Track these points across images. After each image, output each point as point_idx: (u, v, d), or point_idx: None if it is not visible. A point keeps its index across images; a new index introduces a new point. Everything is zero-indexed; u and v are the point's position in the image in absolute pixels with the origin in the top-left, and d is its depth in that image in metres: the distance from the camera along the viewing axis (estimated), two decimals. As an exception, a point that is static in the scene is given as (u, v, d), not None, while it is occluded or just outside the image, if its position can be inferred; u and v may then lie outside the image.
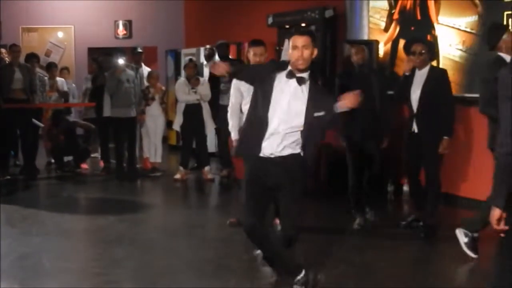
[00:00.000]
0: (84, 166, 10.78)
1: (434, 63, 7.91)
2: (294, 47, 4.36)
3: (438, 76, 6.39)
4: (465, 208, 7.77)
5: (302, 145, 4.42)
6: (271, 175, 4.40)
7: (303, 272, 4.57)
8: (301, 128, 4.37)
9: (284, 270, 4.67)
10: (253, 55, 5.95)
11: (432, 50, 6.49)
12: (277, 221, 6.21)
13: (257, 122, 4.41)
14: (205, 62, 11.07)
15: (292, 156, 4.40)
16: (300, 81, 4.38)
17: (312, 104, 4.35)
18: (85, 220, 7.55)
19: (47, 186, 9.93)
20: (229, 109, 6.20)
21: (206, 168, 9.86)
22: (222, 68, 4.51)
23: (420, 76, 6.38)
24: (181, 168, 9.88)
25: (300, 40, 4.35)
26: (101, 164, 10.80)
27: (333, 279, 5.22)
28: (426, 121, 6.32)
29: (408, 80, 6.44)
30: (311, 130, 4.38)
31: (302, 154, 4.43)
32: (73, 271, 5.55)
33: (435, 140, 6.30)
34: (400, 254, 5.95)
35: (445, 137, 6.30)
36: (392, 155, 8.45)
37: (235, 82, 6.10)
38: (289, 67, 4.43)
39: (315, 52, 4.43)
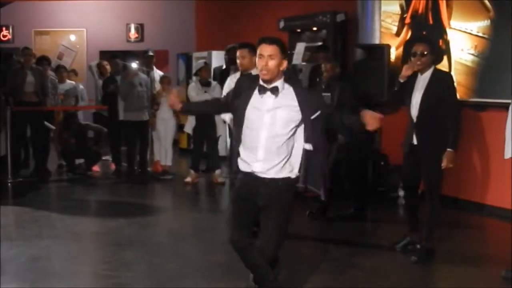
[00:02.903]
0: (95, 169, 10.80)
1: (445, 67, 7.92)
2: (260, 56, 4.08)
3: (441, 81, 5.65)
4: (478, 214, 7.74)
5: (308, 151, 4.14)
6: (260, 194, 4.14)
7: None
8: (290, 136, 4.10)
9: (259, 284, 4.38)
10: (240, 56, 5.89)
11: (437, 52, 5.78)
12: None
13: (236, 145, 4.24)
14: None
15: (282, 178, 4.13)
16: (274, 91, 4.08)
17: (304, 106, 4.08)
18: (96, 222, 7.57)
19: (58, 189, 9.96)
20: None
21: (217, 172, 9.85)
22: (174, 103, 4.43)
23: (422, 80, 5.66)
24: (191, 171, 9.89)
25: (266, 49, 4.06)
26: (112, 167, 10.83)
27: (343, 284, 5.22)
28: (427, 132, 5.63)
29: (407, 86, 5.73)
30: (314, 130, 4.10)
31: (293, 176, 4.16)
32: (83, 274, 5.57)
33: (436, 152, 5.58)
34: (409, 259, 5.90)
35: (449, 150, 5.54)
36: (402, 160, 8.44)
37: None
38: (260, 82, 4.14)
39: (284, 64, 4.11)
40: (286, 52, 4.16)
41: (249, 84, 4.22)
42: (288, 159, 4.14)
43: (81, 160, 10.61)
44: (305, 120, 4.08)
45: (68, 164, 10.64)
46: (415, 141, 5.71)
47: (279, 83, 4.10)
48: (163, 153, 10.51)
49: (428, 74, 5.66)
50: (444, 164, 5.56)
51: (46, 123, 10.26)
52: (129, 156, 10.30)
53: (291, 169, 4.16)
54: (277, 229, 4.17)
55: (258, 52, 4.12)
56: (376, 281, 5.36)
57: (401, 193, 8.55)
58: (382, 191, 8.56)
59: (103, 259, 5.94)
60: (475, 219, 7.66)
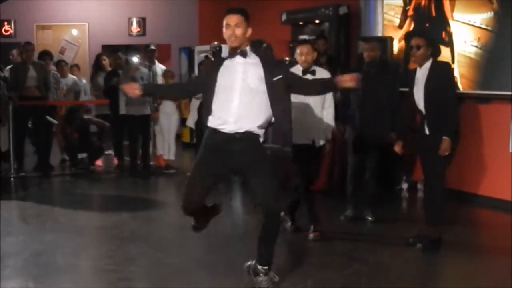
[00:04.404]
0: (98, 163, 10.80)
1: (448, 60, 7.88)
2: (227, 26, 4.42)
3: (441, 71, 5.71)
4: (482, 207, 7.72)
5: (271, 114, 4.45)
6: (234, 153, 4.38)
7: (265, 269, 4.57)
8: (263, 95, 4.39)
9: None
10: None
11: (433, 45, 5.81)
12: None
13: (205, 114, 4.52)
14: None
15: (255, 133, 4.39)
16: (243, 53, 4.43)
17: (268, 70, 4.40)
18: (99, 217, 7.56)
19: (61, 183, 9.97)
20: None
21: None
22: (132, 91, 4.63)
23: (422, 73, 5.74)
24: (194, 165, 9.87)
25: (232, 19, 4.40)
26: (115, 161, 10.82)
27: (346, 278, 5.21)
28: (435, 122, 5.71)
29: (409, 80, 5.90)
30: (275, 95, 4.40)
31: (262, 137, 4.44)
32: (86, 268, 5.58)
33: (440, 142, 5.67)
34: (414, 253, 5.90)
35: (444, 138, 5.63)
36: (406, 153, 8.41)
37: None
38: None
39: (249, 31, 4.47)
40: (249, 20, 4.48)
41: (217, 59, 4.65)
42: (259, 120, 4.39)
43: (84, 155, 10.60)
44: (268, 82, 4.36)
45: (71, 158, 10.64)
46: (427, 131, 5.79)
47: (247, 48, 4.47)
48: (166, 147, 10.50)
49: (426, 66, 5.72)
50: (440, 151, 5.64)
51: (48, 117, 10.25)
52: (131, 150, 10.29)
53: (262, 132, 4.44)
54: (269, 180, 4.33)
55: (224, 22, 4.45)
56: (380, 275, 5.35)
57: (405, 186, 8.55)
58: (386, 185, 8.52)
59: (107, 253, 5.93)
60: (479, 211, 7.64)
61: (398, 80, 7.22)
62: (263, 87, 4.39)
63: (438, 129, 5.70)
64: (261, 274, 4.58)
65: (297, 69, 6.11)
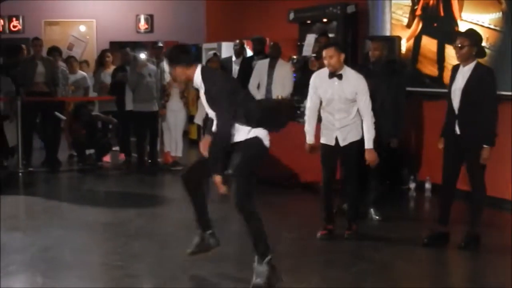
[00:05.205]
0: (106, 159, 10.82)
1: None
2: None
3: (482, 75, 5.75)
4: (487, 207, 7.70)
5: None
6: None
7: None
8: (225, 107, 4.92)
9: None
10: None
11: (478, 45, 5.85)
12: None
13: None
14: (234, 58, 11.05)
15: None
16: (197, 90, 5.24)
17: (206, 91, 5.01)
18: (106, 213, 7.58)
19: (69, 179, 10.01)
20: (306, 112, 6.25)
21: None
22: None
23: (463, 73, 5.80)
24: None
25: (171, 69, 5.18)
26: (122, 157, 10.85)
27: (351, 277, 5.22)
28: (469, 123, 5.76)
29: (450, 77, 5.97)
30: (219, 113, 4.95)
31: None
32: (93, 264, 5.61)
33: (478, 144, 5.74)
34: (419, 252, 5.91)
35: (485, 146, 5.70)
36: (413, 152, 8.40)
37: (312, 83, 6.17)
38: None
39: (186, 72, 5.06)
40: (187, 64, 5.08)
41: None
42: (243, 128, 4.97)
43: (92, 151, 10.64)
44: (207, 100, 5.03)
45: (79, 154, 10.68)
46: (458, 131, 5.83)
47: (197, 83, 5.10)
48: (173, 144, 10.52)
49: (469, 67, 5.78)
50: (481, 160, 5.74)
51: (57, 113, 10.29)
52: (139, 147, 10.32)
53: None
54: (238, 180, 4.89)
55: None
56: (386, 274, 5.37)
57: (412, 185, 8.53)
58: (393, 184, 8.51)
59: (113, 249, 5.96)
60: (486, 212, 7.62)
61: (404, 80, 7.19)
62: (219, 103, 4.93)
63: (472, 130, 5.76)
64: (255, 264, 4.83)
65: (324, 73, 6.12)
